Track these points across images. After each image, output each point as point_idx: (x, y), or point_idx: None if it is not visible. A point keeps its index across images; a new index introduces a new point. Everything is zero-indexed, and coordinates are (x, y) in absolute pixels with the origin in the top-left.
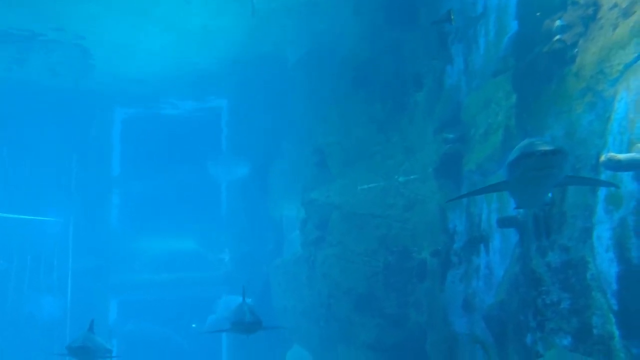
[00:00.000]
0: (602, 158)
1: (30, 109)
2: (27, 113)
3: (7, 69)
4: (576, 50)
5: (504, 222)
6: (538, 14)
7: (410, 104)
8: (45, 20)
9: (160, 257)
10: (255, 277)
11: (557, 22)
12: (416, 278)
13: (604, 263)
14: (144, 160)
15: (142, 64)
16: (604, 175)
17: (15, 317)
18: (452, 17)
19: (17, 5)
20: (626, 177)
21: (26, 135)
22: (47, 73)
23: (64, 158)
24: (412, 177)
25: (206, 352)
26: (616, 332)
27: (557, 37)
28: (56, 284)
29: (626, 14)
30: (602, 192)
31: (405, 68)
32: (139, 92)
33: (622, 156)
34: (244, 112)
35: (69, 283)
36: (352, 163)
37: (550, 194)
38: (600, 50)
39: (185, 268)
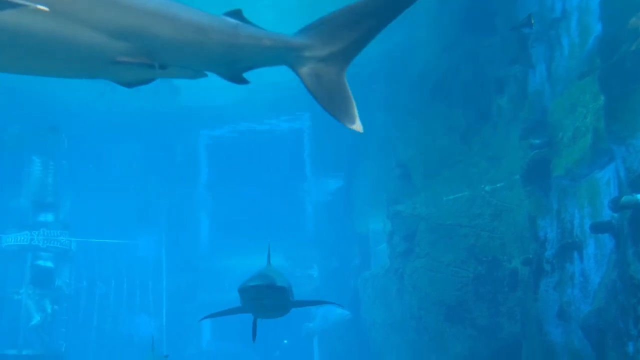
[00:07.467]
0: None
1: (119, 135)
2: (116, 140)
3: (98, 95)
4: None
5: (598, 228)
6: None
7: (493, 111)
8: None
9: (249, 275)
10: (344, 291)
11: None
12: (507, 287)
13: None
14: (230, 181)
15: (224, 85)
16: None
17: (114, 338)
18: (533, 21)
19: None
20: None
21: (117, 162)
22: (135, 98)
23: (153, 182)
24: (498, 185)
25: None
26: None
27: None
28: (152, 304)
29: None
30: None
31: (485, 75)
32: (223, 113)
33: None
34: (326, 127)
35: (164, 303)
36: (436, 174)
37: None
38: None
39: None
